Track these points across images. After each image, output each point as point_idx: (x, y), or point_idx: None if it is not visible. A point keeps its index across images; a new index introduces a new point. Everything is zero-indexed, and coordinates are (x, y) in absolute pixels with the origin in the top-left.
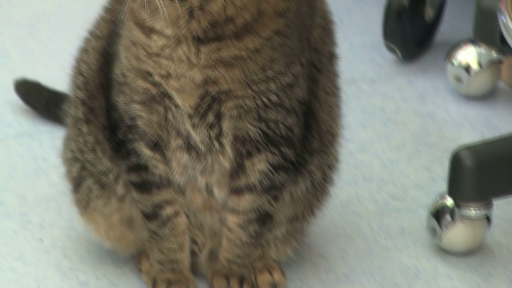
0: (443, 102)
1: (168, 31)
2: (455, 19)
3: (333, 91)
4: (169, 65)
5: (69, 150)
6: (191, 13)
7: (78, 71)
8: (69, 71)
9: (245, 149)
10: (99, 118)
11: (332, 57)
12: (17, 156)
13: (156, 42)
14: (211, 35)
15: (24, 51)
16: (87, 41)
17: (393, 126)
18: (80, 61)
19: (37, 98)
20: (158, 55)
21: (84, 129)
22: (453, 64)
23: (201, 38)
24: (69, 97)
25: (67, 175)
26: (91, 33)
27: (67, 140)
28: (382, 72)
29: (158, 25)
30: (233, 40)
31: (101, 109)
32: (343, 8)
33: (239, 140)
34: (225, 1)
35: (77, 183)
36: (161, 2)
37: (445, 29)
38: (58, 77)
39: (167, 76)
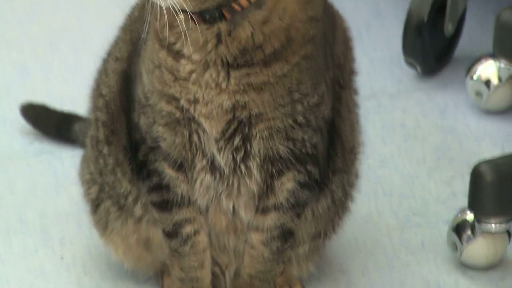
0: (463, 116)
1: (196, 56)
2: (474, 34)
3: (354, 109)
4: (197, 91)
5: (88, 171)
6: (219, 38)
7: (98, 93)
8: (88, 92)
9: (275, 169)
10: (120, 139)
11: (352, 73)
12: (38, 173)
13: (184, 67)
14: (240, 61)
15: (44, 68)
16: (106, 62)
17: (413, 141)
18: (99, 83)
19: (46, 122)
20: (186, 80)
21: (105, 150)
22: (473, 78)
23: (231, 63)
24: (89, 118)
25: (85, 196)
26: (110, 54)
27: (85, 161)
28: (402, 87)
29: (186, 49)
30: (262, 67)
31: (122, 130)
32: (363, 23)
33: (269, 161)
34: (252, 27)
35: (95, 205)
36: (183, 25)
37: (465, 44)
38: (78, 94)
39: (195, 101)
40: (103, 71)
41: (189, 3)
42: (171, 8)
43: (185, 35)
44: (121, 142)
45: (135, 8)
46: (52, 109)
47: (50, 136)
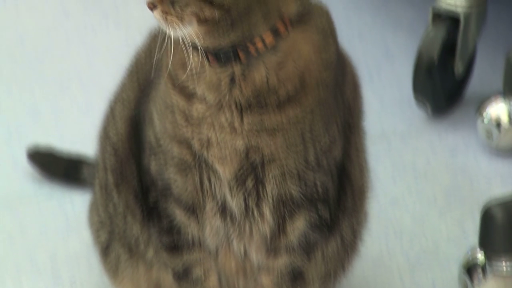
0: (473, 156)
1: (210, 97)
2: (485, 74)
3: (362, 149)
4: (210, 133)
5: (97, 214)
6: (233, 80)
7: (106, 137)
8: (96, 135)
9: (286, 210)
10: (130, 183)
11: (360, 113)
12: (48, 215)
13: (198, 108)
14: (254, 103)
15: (55, 109)
16: (113, 106)
17: (424, 181)
18: (107, 127)
19: (54, 166)
20: (199, 121)
21: (114, 195)
22: (483, 118)
23: (244, 106)
24: (97, 162)
25: (95, 240)
26: (117, 98)
27: (94, 206)
28: (412, 127)
29: (199, 90)
30: (275, 110)
31: (132, 173)
32: (374, 63)
33: (282, 203)
34: (267, 70)
35: (105, 248)
36: (196, 62)
37: (476, 84)
38: (89, 135)
39: (208, 143)
40: (110, 115)
41: (201, 36)
42: (180, 40)
43: (198, 74)
44: (130, 185)
45: (140, 50)
46: (59, 153)
47: (59, 180)
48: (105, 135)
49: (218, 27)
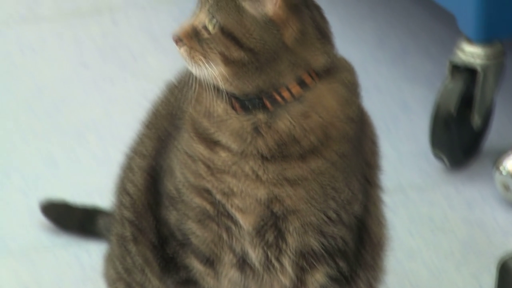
0: (491, 210)
1: (233, 146)
2: (503, 126)
3: (380, 203)
4: (233, 182)
5: (113, 268)
6: (257, 129)
7: (123, 190)
8: (113, 186)
9: (307, 263)
10: (148, 234)
11: (377, 168)
12: (64, 265)
13: (222, 157)
14: (277, 153)
15: (72, 160)
16: (130, 159)
17: (441, 234)
18: (125, 180)
19: (68, 219)
20: (222, 171)
21: (133, 249)
22: (500, 172)
23: (267, 156)
24: (114, 215)
25: None
26: (134, 151)
27: (110, 259)
28: (429, 180)
29: (223, 138)
30: (298, 161)
31: (150, 225)
32: (391, 116)
33: (302, 255)
34: (292, 121)
35: None
36: (218, 105)
37: (493, 136)
38: (106, 186)
39: (230, 194)
40: (127, 168)
41: (226, 79)
42: (204, 83)
43: (222, 122)
44: (148, 238)
45: (158, 101)
46: (74, 205)
47: (74, 232)
48: (122, 187)
49: (244, 70)
